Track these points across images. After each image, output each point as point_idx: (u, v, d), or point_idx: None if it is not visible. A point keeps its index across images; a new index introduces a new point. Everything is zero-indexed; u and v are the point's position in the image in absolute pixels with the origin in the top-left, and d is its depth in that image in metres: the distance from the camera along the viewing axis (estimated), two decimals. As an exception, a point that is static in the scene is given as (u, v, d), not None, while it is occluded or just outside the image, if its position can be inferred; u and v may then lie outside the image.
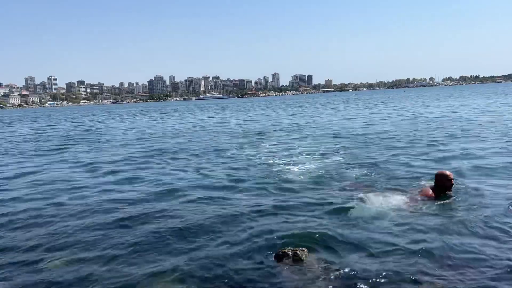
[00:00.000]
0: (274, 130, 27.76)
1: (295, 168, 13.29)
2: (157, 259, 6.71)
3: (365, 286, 5.60)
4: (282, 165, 13.99)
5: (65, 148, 23.26)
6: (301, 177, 12.03)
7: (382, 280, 5.73)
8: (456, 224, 7.55)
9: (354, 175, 11.84)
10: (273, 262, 6.27)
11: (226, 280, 5.93)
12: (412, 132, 22.14)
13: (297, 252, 6.27)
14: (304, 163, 14.17)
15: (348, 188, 10.46)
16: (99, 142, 26.21)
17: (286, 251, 6.33)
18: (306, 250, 6.42)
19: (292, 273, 5.94)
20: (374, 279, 5.75)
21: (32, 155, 20.80)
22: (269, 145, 19.80)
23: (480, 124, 23.95)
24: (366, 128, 25.83)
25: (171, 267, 6.42)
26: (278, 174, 12.51)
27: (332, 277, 5.86)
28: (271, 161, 14.89)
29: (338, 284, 5.68)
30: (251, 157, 16.16)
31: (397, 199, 9.14)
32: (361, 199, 9.28)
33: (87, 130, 38.13)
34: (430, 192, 9.15)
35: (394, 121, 30.41)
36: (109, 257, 6.86)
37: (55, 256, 7.02)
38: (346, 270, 6.03)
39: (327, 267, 6.13)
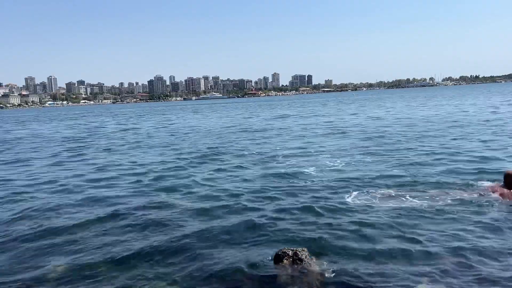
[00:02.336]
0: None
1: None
2: (157, 258, 6.78)
3: (366, 286, 5.62)
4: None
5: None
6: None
7: (385, 281, 5.75)
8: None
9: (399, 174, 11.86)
10: (273, 262, 6.30)
11: (226, 279, 5.98)
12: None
13: (297, 252, 6.30)
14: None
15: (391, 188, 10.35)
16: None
17: (286, 251, 6.36)
18: (306, 250, 6.45)
19: (292, 273, 5.97)
20: (375, 280, 5.77)
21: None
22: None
23: None
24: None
25: (171, 265, 6.48)
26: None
27: (332, 278, 5.88)
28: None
29: (338, 285, 5.70)
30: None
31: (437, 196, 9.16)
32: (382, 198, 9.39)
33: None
34: (505, 190, 8.93)
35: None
36: (113, 261, 6.93)
37: (61, 259, 7.10)
38: (347, 270, 6.05)
39: (328, 267, 6.16)
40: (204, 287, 5.84)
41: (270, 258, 6.47)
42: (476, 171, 11.87)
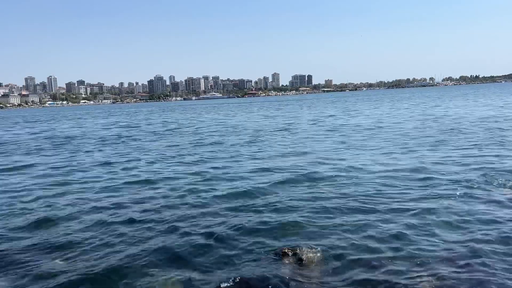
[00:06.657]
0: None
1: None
2: (158, 256, 6.82)
3: (365, 286, 5.66)
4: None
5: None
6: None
7: (386, 281, 5.79)
8: None
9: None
10: (273, 261, 6.35)
11: (226, 278, 6.01)
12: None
13: (297, 251, 6.36)
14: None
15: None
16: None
17: (286, 250, 6.43)
18: (306, 249, 6.50)
19: (291, 273, 6.02)
20: (376, 280, 5.80)
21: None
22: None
23: None
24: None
25: (170, 264, 6.55)
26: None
27: (332, 277, 5.92)
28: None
29: (338, 284, 5.74)
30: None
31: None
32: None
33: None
34: None
35: None
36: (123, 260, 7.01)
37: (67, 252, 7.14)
38: (348, 270, 6.09)
39: (328, 267, 6.20)
40: (204, 286, 5.89)
41: (269, 257, 6.51)
42: None
